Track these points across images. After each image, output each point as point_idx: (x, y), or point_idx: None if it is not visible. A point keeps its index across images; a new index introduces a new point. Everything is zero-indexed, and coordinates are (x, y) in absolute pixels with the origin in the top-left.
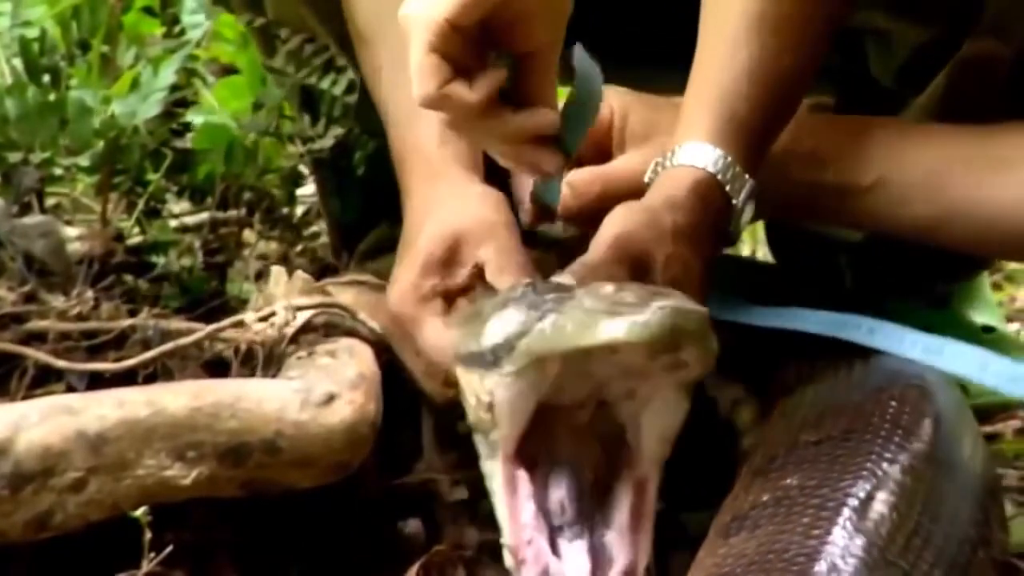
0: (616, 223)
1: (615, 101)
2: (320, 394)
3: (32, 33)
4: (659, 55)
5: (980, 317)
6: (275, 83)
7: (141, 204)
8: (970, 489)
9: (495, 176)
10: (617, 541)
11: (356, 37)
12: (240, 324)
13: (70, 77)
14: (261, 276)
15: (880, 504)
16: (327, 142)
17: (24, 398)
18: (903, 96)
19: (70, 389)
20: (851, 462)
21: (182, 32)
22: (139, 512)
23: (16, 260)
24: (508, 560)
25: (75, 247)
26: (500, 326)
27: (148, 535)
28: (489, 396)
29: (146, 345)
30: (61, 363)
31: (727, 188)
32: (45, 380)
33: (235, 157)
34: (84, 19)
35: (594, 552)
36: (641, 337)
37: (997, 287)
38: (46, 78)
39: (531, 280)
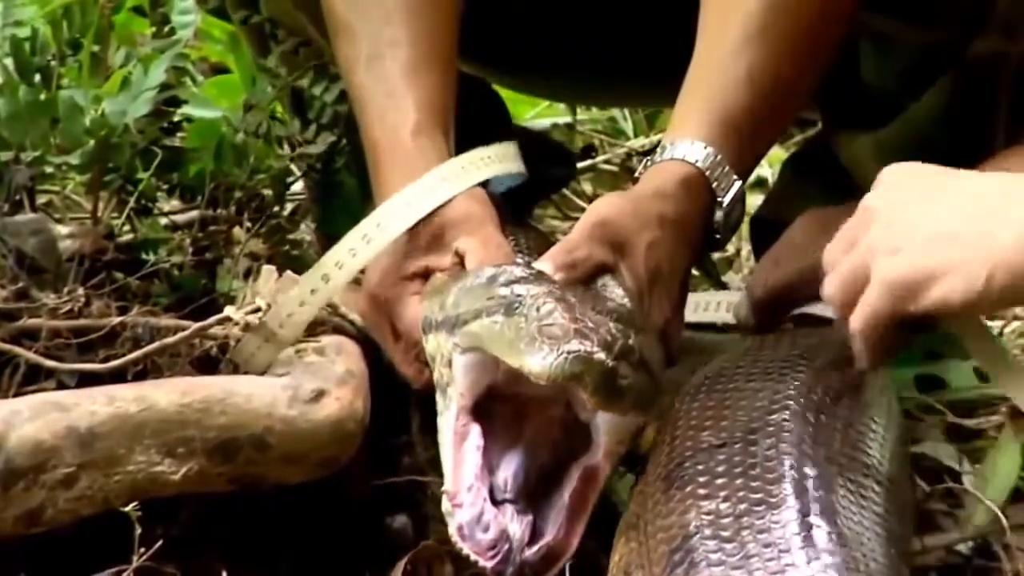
0: (600, 209)
1: None
2: (309, 391)
3: (23, 33)
4: (649, 70)
5: None
6: (267, 83)
7: (132, 202)
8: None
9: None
10: (553, 518)
11: (333, 28)
12: (226, 320)
13: (61, 76)
14: (250, 274)
15: None
16: (317, 148)
17: (15, 395)
18: (899, 102)
19: (61, 386)
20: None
21: (172, 31)
22: (129, 507)
23: (7, 258)
24: (445, 505)
25: (66, 245)
26: (454, 302)
27: (138, 530)
28: (450, 353)
29: (136, 342)
30: (50, 363)
31: (714, 185)
32: (36, 377)
33: (225, 156)
34: (75, 19)
35: (532, 526)
36: (539, 376)
37: None
38: (37, 77)
39: (500, 265)
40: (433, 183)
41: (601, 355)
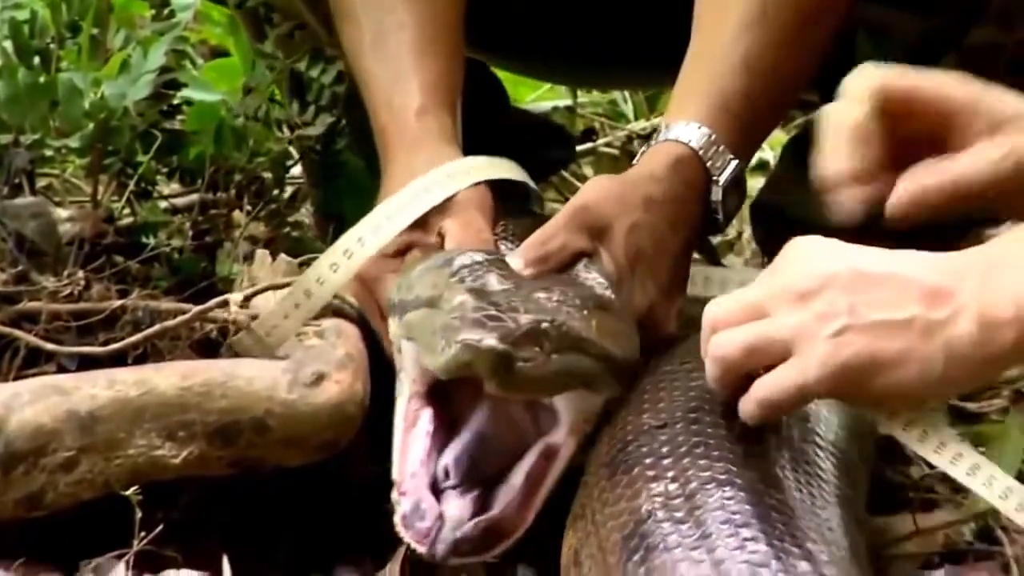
0: (584, 193)
1: (958, 91)
2: (309, 374)
3: (22, 15)
4: (650, 54)
5: None
6: (265, 67)
7: (132, 185)
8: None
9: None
10: (503, 495)
11: (337, 12)
12: (225, 304)
13: (60, 59)
14: (250, 258)
15: None
16: (316, 130)
17: (16, 378)
18: None
19: (61, 369)
20: None
21: (171, 14)
22: (130, 491)
23: (7, 241)
24: (393, 494)
25: (66, 228)
26: (407, 287)
27: (139, 514)
28: (399, 339)
29: (136, 325)
30: (50, 346)
31: (708, 165)
32: (36, 360)
33: (225, 139)
34: (74, 1)
35: (480, 504)
36: (437, 371)
37: None
38: (36, 60)
39: (463, 251)
40: (416, 190)
41: (490, 341)
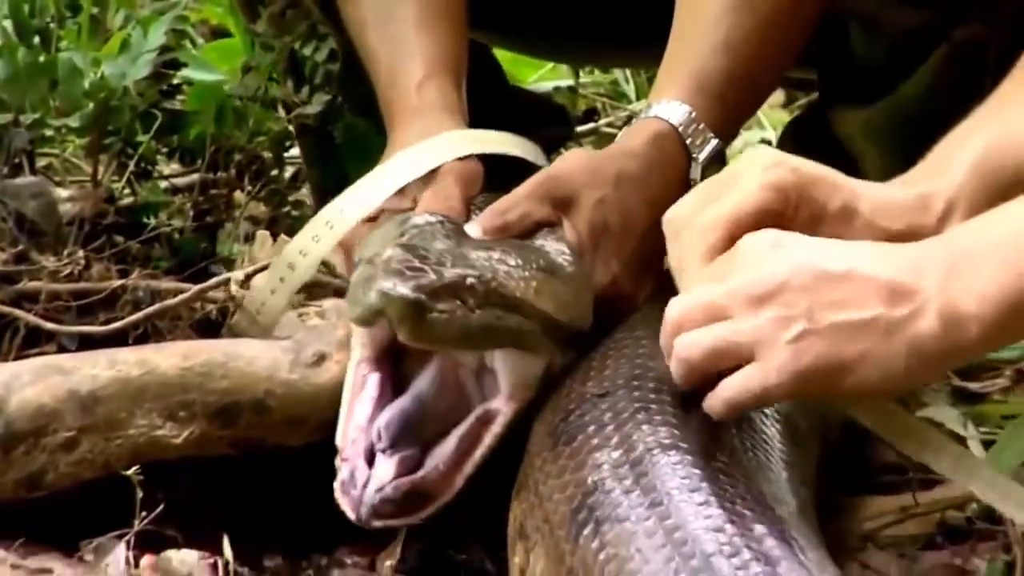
0: (555, 165)
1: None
2: (310, 354)
3: None
4: (631, 36)
5: None
6: (261, 47)
7: (132, 165)
8: None
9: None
10: (433, 456)
11: None
12: (226, 283)
13: (60, 39)
14: (250, 238)
15: None
16: (313, 108)
17: (16, 358)
18: (889, 80)
19: (61, 349)
20: None
21: None
22: (131, 471)
23: (7, 220)
24: (337, 461)
25: (66, 208)
26: (363, 248)
27: (139, 494)
28: None
29: (136, 305)
30: (50, 325)
31: (688, 142)
32: (36, 340)
33: (225, 119)
34: None
35: (412, 467)
36: (351, 317)
37: None
38: (36, 40)
39: (416, 214)
40: (402, 161)
41: (403, 289)
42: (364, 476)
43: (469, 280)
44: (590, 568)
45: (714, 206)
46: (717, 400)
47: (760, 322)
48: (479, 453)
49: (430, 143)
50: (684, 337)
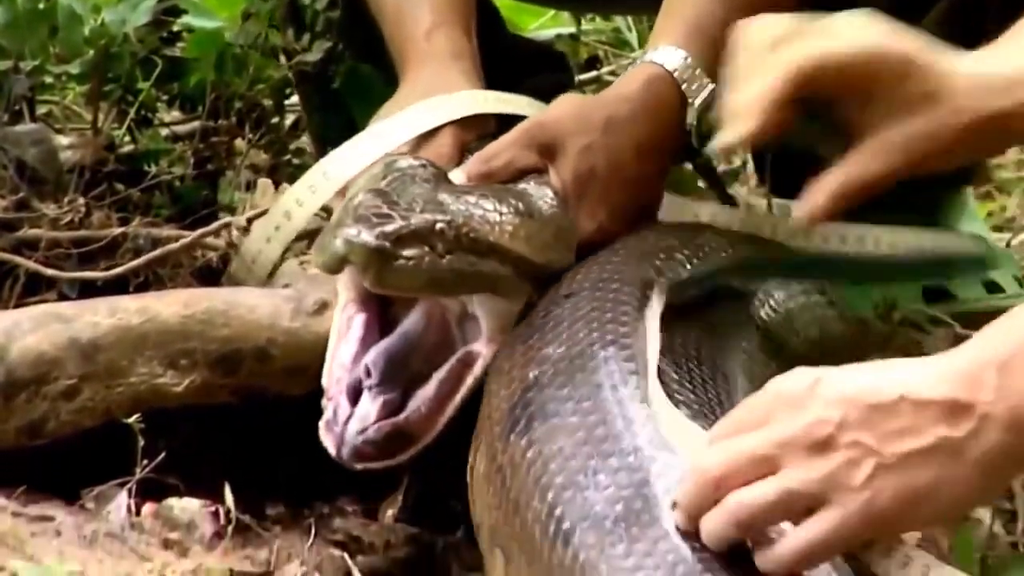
0: (544, 111)
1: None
2: (312, 302)
3: None
4: None
5: (966, 228)
6: None
7: (132, 113)
8: None
9: None
10: (415, 400)
11: None
12: (227, 226)
13: None
14: (251, 186)
15: None
16: (313, 56)
17: (16, 306)
18: None
19: (62, 297)
20: None
21: None
22: (132, 419)
23: (8, 168)
24: (324, 401)
25: (67, 155)
26: (350, 191)
27: (141, 442)
28: None
29: (137, 253)
30: (51, 272)
31: (684, 87)
32: (37, 288)
33: (226, 66)
34: None
35: (395, 408)
36: (317, 264)
37: (988, 196)
38: None
39: (399, 159)
40: (407, 116)
41: (366, 237)
42: (346, 413)
43: (439, 225)
44: (517, 466)
45: (802, 43)
46: (785, 553)
47: (832, 467)
48: (460, 395)
49: (433, 101)
50: (738, 494)
